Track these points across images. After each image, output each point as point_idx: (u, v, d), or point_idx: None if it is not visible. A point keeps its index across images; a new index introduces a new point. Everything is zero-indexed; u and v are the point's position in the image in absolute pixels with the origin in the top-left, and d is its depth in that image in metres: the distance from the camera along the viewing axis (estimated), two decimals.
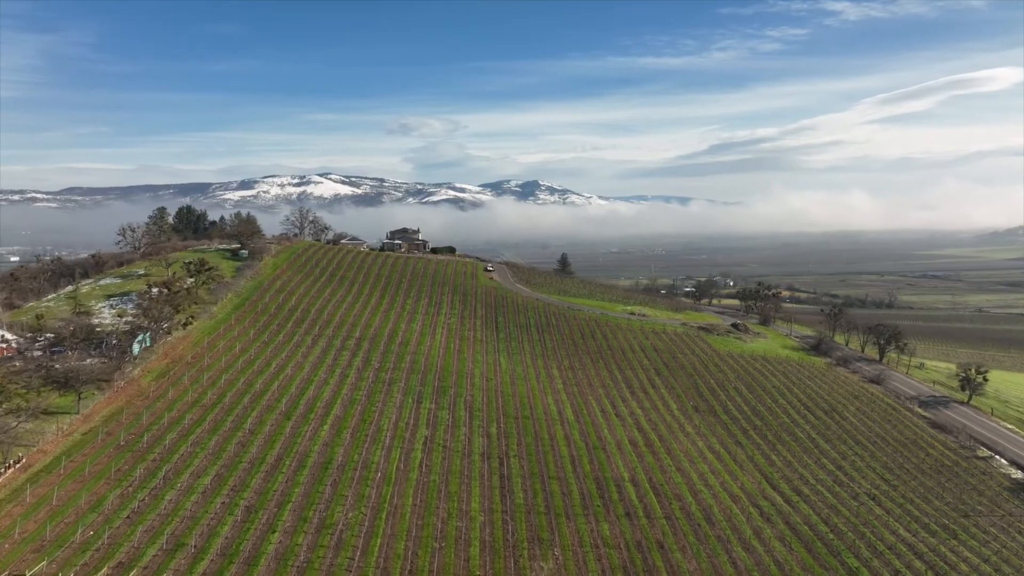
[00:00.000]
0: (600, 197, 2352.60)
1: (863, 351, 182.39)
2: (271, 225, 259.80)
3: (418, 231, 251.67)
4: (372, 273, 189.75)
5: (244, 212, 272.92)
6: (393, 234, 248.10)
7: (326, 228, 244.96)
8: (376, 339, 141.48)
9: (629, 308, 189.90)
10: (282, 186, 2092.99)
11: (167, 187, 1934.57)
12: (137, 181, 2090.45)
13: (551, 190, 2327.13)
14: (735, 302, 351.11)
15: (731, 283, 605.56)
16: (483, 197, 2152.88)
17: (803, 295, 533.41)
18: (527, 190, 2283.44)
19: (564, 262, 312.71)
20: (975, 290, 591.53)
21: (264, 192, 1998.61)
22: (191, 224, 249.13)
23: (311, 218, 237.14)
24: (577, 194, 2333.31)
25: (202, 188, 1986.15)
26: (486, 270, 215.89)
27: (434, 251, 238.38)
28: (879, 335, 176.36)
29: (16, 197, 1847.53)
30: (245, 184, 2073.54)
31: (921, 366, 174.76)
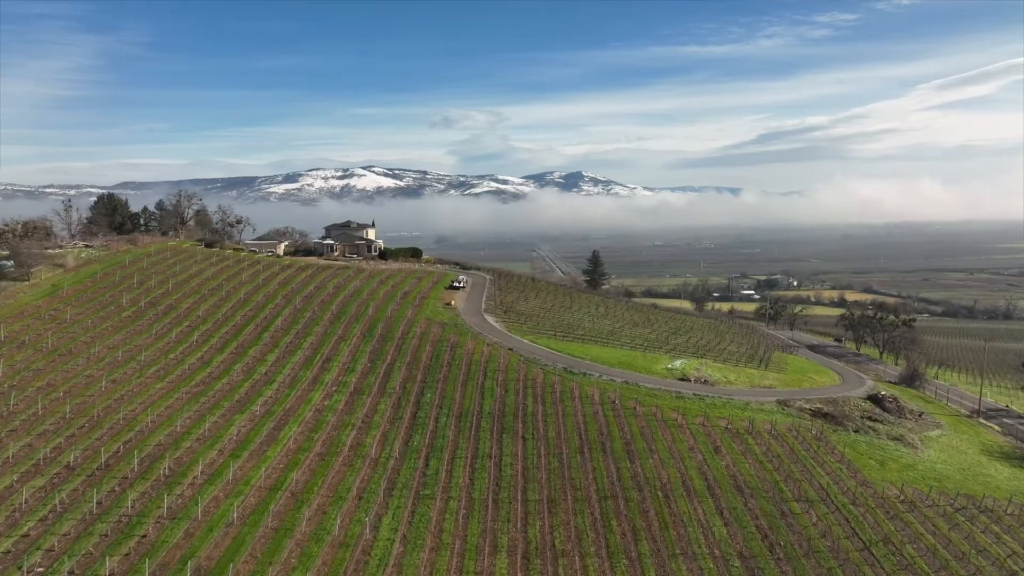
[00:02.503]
0: (645, 188, 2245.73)
1: None
2: (311, 217, 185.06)
3: (370, 226, 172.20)
4: (232, 300, 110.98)
5: (228, 210, 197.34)
6: (330, 229, 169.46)
7: (237, 222, 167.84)
8: (115, 465, 62.88)
9: (677, 366, 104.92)
10: (326, 179, 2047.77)
11: (215, 181, 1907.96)
12: (187, 175, 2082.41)
13: (595, 181, 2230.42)
14: (825, 311, 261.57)
15: (794, 283, 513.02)
16: (525, 189, 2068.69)
17: (890, 300, 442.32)
18: (570, 181, 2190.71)
19: (596, 262, 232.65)
20: None
21: (308, 185, 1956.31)
22: (111, 218, 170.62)
23: (197, 207, 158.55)
24: (621, 185, 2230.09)
25: (248, 182, 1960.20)
26: (451, 286, 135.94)
27: (383, 255, 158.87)
28: None
29: (73, 192, 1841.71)
30: (290, 177, 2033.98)
31: None
